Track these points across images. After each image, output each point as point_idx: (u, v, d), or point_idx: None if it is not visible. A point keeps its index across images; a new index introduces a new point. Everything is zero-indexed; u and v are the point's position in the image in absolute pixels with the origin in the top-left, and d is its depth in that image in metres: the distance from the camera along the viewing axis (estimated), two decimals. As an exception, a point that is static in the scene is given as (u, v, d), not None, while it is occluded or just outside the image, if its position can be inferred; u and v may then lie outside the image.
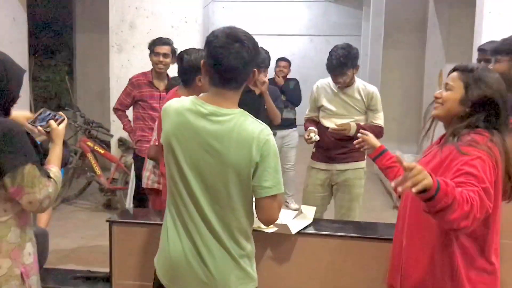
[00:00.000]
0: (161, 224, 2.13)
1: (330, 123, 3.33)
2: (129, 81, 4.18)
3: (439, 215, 1.48)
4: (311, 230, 2.36)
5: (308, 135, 3.24)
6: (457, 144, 1.69)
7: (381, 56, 8.49)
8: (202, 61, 1.75)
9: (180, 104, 1.77)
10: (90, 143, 5.59)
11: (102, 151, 5.60)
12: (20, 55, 6.03)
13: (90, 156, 5.56)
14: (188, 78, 2.75)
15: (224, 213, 1.71)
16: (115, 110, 4.34)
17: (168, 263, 1.78)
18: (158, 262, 1.84)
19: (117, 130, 5.17)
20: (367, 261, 2.29)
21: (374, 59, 9.77)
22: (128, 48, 5.11)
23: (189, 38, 4.92)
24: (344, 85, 3.33)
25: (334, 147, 3.37)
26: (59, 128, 1.94)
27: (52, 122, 1.94)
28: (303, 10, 12.84)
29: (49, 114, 1.99)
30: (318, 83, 3.53)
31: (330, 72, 3.31)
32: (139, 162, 4.03)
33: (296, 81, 5.58)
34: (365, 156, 3.33)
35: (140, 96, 4.07)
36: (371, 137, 2.24)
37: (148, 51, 4.05)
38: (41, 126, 1.95)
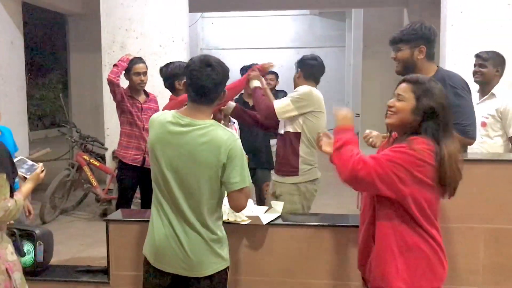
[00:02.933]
0: (146, 221, 2.54)
1: None
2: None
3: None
4: (279, 221, 2.72)
5: None
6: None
7: (361, 66, 8.93)
8: (183, 82, 2.14)
9: (163, 117, 2.16)
10: (86, 157, 5.93)
11: (98, 164, 5.95)
12: (18, 76, 6.42)
13: (86, 169, 5.91)
14: (170, 84, 3.37)
15: (196, 204, 2.08)
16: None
17: (154, 246, 2.17)
18: (146, 246, 2.22)
19: (111, 143, 5.52)
20: (329, 247, 2.64)
21: (356, 69, 10.21)
22: (120, 67, 5.48)
23: (177, 56, 5.27)
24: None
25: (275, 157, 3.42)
26: (41, 176, 2.37)
27: (38, 171, 2.37)
28: (289, 24, 13.31)
29: (28, 163, 2.43)
30: None
31: None
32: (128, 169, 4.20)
33: (284, 93, 5.51)
34: (299, 172, 3.24)
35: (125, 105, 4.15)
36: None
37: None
38: (21, 172, 2.36)
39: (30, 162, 2.44)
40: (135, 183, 4.27)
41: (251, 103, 4.25)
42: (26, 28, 6.88)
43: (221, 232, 2.18)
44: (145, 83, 4.23)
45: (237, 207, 2.16)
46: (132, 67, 4.13)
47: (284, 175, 3.28)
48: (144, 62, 4.21)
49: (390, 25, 8.40)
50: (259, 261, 2.67)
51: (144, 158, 4.17)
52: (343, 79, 12.60)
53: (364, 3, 8.32)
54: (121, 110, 4.18)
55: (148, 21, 5.44)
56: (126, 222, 2.81)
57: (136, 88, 4.20)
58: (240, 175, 2.06)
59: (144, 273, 2.25)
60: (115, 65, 4.13)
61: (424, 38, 2.65)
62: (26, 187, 2.30)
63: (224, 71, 2.13)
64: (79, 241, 5.13)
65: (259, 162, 4.52)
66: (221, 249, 2.17)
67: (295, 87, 3.42)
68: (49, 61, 16.59)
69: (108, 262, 2.78)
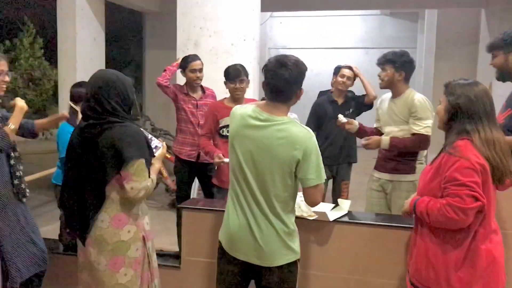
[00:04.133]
0: (218, 211, 2.66)
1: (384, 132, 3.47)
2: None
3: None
4: (345, 219, 2.77)
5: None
6: (445, 153, 2.09)
7: (433, 69, 8.67)
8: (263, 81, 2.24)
9: (244, 110, 2.27)
10: (157, 149, 6.21)
11: (169, 156, 6.20)
12: (99, 70, 6.84)
13: (157, 160, 6.18)
14: (224, 84, 3.70)
15: (270, 197, 2.18)
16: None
17: (228, 234, 2.29)
18: (222, 233, 2.35)
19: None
20: (394, 247, 2.66)
21: (427, 71, 9.93)
22: (193, 64, 5.68)
23: (247, 54, 5.39)
24: (383, 85, 3.41)
25: (384, 156, 3.46)
26: (164, 152, 2.57)
27: (164, 151, 2.55)
28: (358, 23, 13.11)
29: (151, 137, 2.55)
30: (383, 95, 3.63)
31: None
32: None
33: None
34: (415, 170, 3.35)
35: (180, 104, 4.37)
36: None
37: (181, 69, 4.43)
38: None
39: (155, 141, 2.58)
40: (191, 177, 4.43)
41: (339, 102, 4.53)
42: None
43: (292, 225, 2.26)
44: (201, 80, 4.37)
45: (313, 203, 2.27)
46: (188, 64, 4.30)
47: (400, 173, 3.37)
48: (200, 59, 4.37)
49: (466, 26, 8.13)
50: (323, 256, 2.73)
51: (198, 154, 4.30)
52: (413, 81, 12.26)
53: (439, 4, 8.07)
54: (176, 107, 4.40)
55: (222, 19, 5.58)
56: (199, 210, 2.96)
57: (193, 85, 4.36)
58: (316, 171, 2.15)
59: (218, 259, 2.38)
60: (165, 70, 4.42)
61: None
62: (156, 166, 2.49)
63: (300, 71, 2.18)
64: (148, 228, 5.40)
65: (338, 159, 4.53)
66: (292, 241, 2.25)
67: (388, 87, 3.42)
68: (123, 56, 17.44)
69: (180, 247, 2.95)
